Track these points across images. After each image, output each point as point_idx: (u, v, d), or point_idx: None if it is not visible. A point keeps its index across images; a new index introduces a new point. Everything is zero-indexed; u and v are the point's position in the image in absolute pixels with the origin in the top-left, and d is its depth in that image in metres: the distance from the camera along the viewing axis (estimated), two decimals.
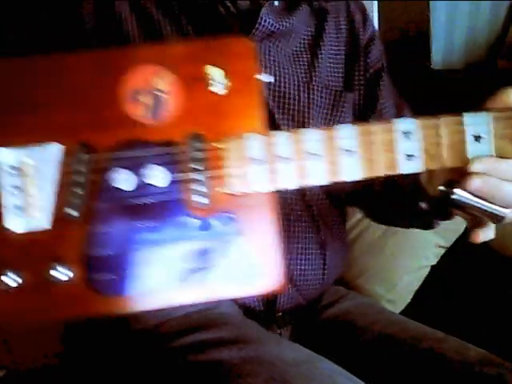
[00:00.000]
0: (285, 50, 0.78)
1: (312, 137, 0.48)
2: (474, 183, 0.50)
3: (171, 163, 0.47)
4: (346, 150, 0.48)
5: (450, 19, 1.65)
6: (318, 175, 0.48)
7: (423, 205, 0.70)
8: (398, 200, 0.80)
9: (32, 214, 0.46)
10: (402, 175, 0.51)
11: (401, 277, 1.24)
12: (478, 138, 0.50)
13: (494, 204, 0.51)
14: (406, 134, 0.49)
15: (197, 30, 0.72)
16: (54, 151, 0.47)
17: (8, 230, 0.46)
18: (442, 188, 0.54)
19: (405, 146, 0.49)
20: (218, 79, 0.47)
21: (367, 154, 0.49)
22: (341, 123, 0.80)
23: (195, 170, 0.47)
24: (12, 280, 0.45)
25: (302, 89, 0.78)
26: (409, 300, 1.26)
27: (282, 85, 0.76)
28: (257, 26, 0.72)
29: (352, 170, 0.49)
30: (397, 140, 0.49)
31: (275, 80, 0.75)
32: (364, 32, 0.86)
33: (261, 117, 0.48)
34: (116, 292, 0.47)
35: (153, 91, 0.47)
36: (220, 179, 0.47)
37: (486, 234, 0.56)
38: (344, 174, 0.49)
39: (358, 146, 0.49)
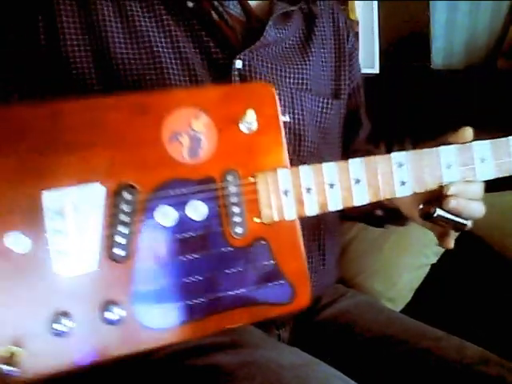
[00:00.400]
0: (276, 57, 0.80)
1: (329, 169, 0.57)
2: (452, 203, 0.63)
3: (210, 198, 0.52)
4: (356, 179, 0.58)
5: (450, 19, 1.67)
6: (335, 202, 0.58)
7: (379, 212, 0.84)
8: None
9: (79, 257, 0.47)
10: None
11: (401, 275, 1.27)
12: (449, 166, 0.63)
13: (461, 217, 0.66)
14: (400, 164, 0.61)
15: (189, 37, 0.73)
16: (96, 192, 0.48)
17: (57, 274, 0.47)
18: (423, 207, 0.68)
19: (399, 175, 0.61)
20: (248, 120, 0.54)
21: (372, 182, 0.59)
22: (330, 133, 0.87)
23: (232, 203, 0.53)
24: (65, 326, 0.46)
25: (295, 96, 0.80)
26: (409, 298, 1.29)
27: (277, 92, 0.80)
28: (261, 39, 0.75)
29: (361, 196, 0.59)
30: (394, 170, 0.61)
31: None
32: (348, 41, 0.91)
33: (285, 152, 0.56)
34: (166, 325, 0.50)
35: (191, 132, 0.52)
36: (254, 210, 0.54)
37: (453, 240, 0.70)
38: (355, 200, 0.59)
39: (365, 176, 0.59)
